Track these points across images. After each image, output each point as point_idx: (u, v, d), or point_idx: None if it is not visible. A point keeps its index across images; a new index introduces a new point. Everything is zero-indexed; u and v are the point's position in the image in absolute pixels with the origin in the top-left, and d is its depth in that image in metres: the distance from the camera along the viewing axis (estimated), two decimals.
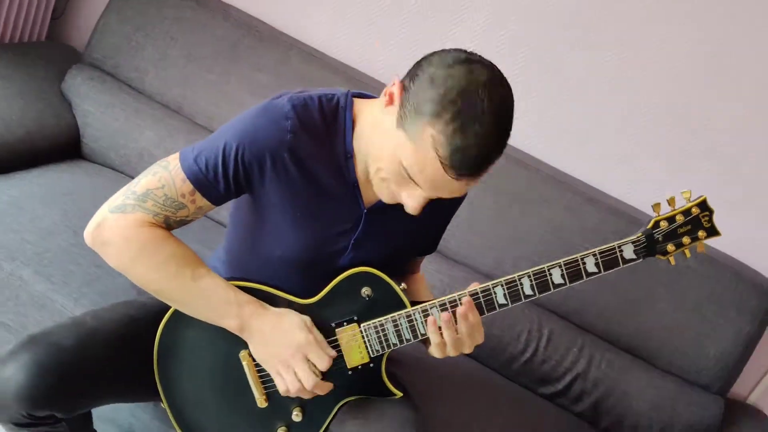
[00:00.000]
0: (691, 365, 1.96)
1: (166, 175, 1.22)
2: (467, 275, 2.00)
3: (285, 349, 1.25)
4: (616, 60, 2.03)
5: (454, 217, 1.98)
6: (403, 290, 1.32)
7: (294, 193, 1.25)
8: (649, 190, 2.09)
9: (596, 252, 1.30)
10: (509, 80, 1.12)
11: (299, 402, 1.36)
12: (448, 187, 1.12)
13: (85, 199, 1.90)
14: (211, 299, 1.25)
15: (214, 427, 1.38)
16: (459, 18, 2.12)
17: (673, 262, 1.35)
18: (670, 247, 1.33)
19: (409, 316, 1.30)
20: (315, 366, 1.27)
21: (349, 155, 1.26)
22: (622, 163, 2.10)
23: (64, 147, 2.14)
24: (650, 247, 1.32)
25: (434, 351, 1.29)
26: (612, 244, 1.30)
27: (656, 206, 1.32)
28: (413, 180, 1.13)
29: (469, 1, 2.10)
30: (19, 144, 2.01)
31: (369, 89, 2.07)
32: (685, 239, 1.33)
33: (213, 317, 1.27)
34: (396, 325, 1.30)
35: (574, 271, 1.30)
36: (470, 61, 1.08)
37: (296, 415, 1.34)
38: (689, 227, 1.33)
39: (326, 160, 1.26)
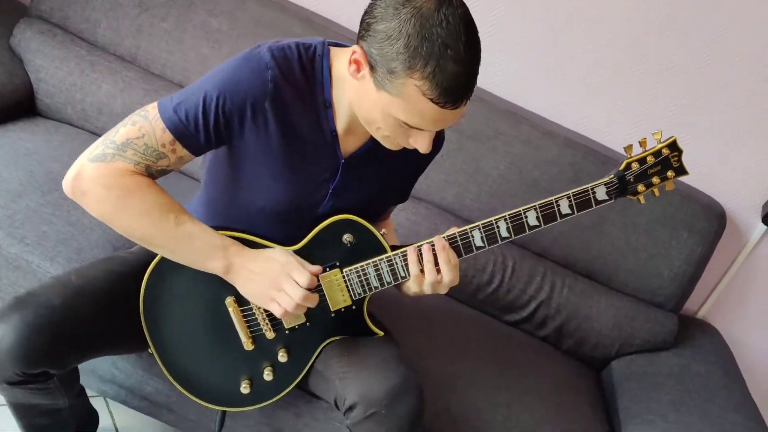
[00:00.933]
0: (646, 285, 2.07)
1: (146, 124, 1.22)
2: (430, 212, 2.05)
3: (270, 275, 1.28)
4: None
5: None
6: (384, 235, 1.35)
7: (274, 144, 1.27)
8: (621, 128, 2.13)
9: (570, 194, 1.35)
10: (479, 16, 1.14)
11: (284, 343, 1.41)
12: (451, 116, 1.15)
13: (47, 157, 1.86)
14: (196, 243, 1.27)
15: (202, 371, 1.42)
16: None
17: (643, 201, 1.41)
18: (641, 187, 1.39)
19: (390, 260, 1.35)
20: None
21: (328, 104, 1.28)
22: (593, 101, 2.12)
23: (19, 105, 2.06)
24: (622, 188, 1.37)
25: (412, 286, 1.34)
26: (585, 186, 1.36)
27: (628, 148, 1.37)
28: (416, 128, 1.17)
29: None
30: None
31: (326, 32, 2.04)
32: (655, 179, 1.39)
33: (198, 261, 1.29)
34: (377, 270, 1.35)
35: (548, 213, 1.35)
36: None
37: (282, 356, 1.39)
38: (659, 167, 1.39)
39: (306, 109, 1.27)
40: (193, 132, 1.22)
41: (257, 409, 1.46)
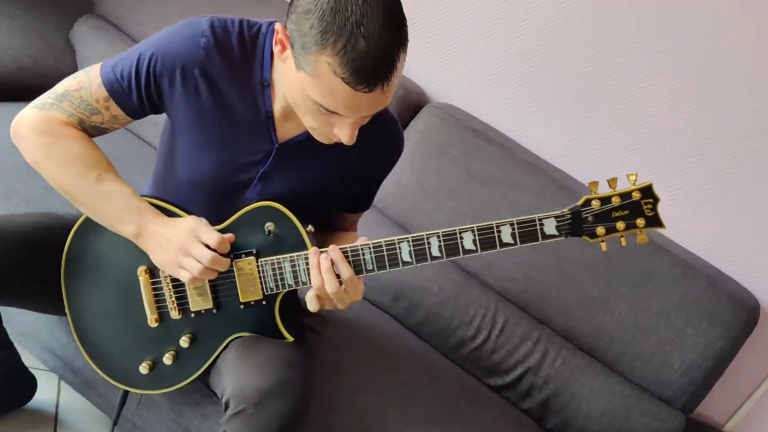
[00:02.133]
0: (653, 375, 1.83)
1: (85, 79, 1.25)
2: None
3: (178, 240, 1.23)
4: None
5: (421, 192, 1.93)
6: (309, 233, 1.28)
7: (203, 114, 1.25)
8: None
9: (514, 222, 1.23)
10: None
11: (189, 328, 1.34)
12: (367, 102, 1.09)
13: None
14: (112, 203, 1.25)
15: (108, 343, 1.38)
16: None
17: (604, 248, 1.26)
18: (600, 230, 1.24)
19: (308, 259, 1.24)
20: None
21: (266, 84, 1.25)
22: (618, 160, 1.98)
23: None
24: (576, 225, 1.23)
25: (309, 300, 1.25)
26: (532, 216, 1.23)
27: (593, 184, 1.24)
28: (333, 111, 1.11)
29: None
30: (9, 77, 2.07)
31: None
32: (620, 224, 1.24)
33: (112, 222, 1.27)
34: (294, 266, 1.27)
35: (487, 239, 1.23)
36: None
37: (184, 341, 1.32)
38: (626, 212, 1.24)
39: (240, 86, 1.25)
40: (127, 91, 1.23)
41: (163, 396, 1.39)
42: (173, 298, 1.31)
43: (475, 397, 1.80)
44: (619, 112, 1.94)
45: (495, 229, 1.22)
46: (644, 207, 1.24)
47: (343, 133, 1.15)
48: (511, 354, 1.86)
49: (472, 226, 1.23)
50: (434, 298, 1.88)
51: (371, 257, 1.25)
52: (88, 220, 1.33)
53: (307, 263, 1.25)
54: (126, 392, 1.42)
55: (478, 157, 1.93)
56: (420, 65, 2.15)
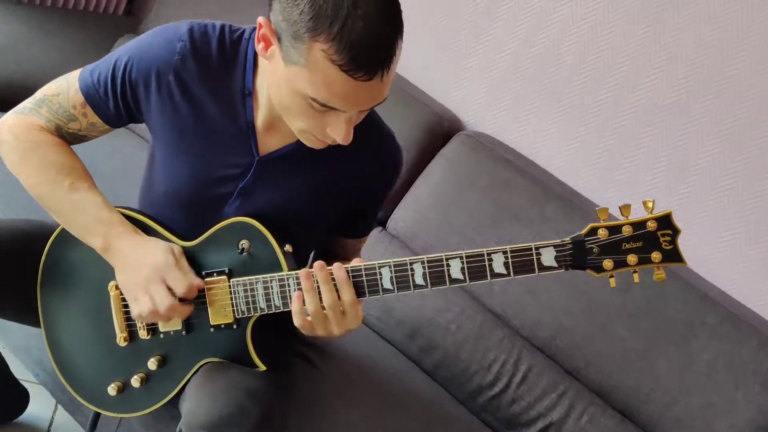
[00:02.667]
0: None
1: (64, 84, 1.21)
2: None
3: (143, 270, 1.15)
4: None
5: (447, 224, 1.80)
6: (287, 253, 1.17)
7: (178, 123, 1.18)
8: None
9: (508, 250, 1.09)
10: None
11: (159, 350, 1.25)
12: (366, 93, 0.99)
13: (95, 151, 1.89)
14: (82, 213, 1.19)
15: (79, 359, 1.30)
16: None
17: (613, 284, 1.11)
18: (608, 263, 1.08)
19: (283, 281, 1.15)
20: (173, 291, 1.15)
21: (248, 93, 1.17)
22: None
23: None
24: (579, 257, 1.09)
25: (295, 320, 1.13)
26: (529, 244, 1.09)
27: (602, 211, 1.09)
28: (327, 106, 1.00)
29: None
30: None
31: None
32: (631, 258, 1.08)
33: (81, 232, 1.21)
34: (266, 289, 1.16)
35: (476, 268, 1.09)
36: None
37: (153, 363, 1.23)
38: (639, 244, 1.08)
39: (217, 94, 1.17)
40: (103, 97, 1.18)
41: (139, 420, 1.31)
42: None
43: None
44: (669, 150, 1.77)
45: (486, 257, 1.09)
46: (661, 239, 1.08)
47: (338, 131, 1.04)
48: (533, 406, 1.68)
49: (460, 252, 1.10)
50: (453, 338, 1.74)
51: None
52: (65, 230, 1.27)
53: (281, 286, 1.15)
54: (97, 414, 1.35)
55: (510, 190, 1.80)
56: (456, 93, 2.05)
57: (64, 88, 1.20)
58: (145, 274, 1.14)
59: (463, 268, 1.10)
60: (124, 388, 1.26)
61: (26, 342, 1.56)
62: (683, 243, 1.07)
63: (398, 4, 0.98)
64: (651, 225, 1.07)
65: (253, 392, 1.15)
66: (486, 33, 1.98)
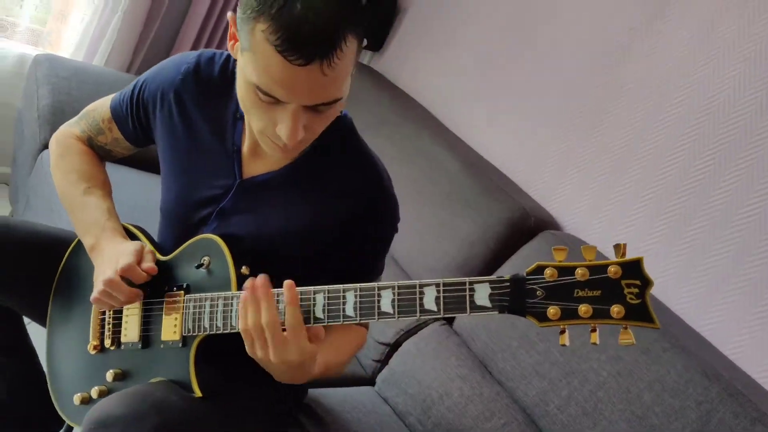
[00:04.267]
0: None
1: (102, 102, 1.34)
2: (499, 397, 1.57)
3: (107, 259, 1.17)
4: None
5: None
6: (242, 274, 1.12)
7: (174, 141, 1.23)
8: None
9: (441, 282, 0.95)
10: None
11: (119, 363, 1.22)
12: (305, 82, 0.94)
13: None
14: (86, 214, 1.27)
15: (62, 364, 1.32)
16: None
17: (563, 341, 0.91)
18: (553, 311, 0.90)
19: (227, 300, 1.10)
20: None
21: (239, 117, 1.19)
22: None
23: None
24: (517, 299, 0.91)
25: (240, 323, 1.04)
26: (463, 278, 0.94)
27: (558, 251, 0.92)
28: (269, 95, 0.97)
29: None
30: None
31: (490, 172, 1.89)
32: (583, 308, 0.88)
33: (80, 231, 1.28)
34: (212, 307, 1.11)
35: (407, 301, 0.96)
36: None
37: (110, 375, 1.20)
38: (596, 293, 0.89)
39: (211, 116, 1.21)
40: (125, 114, 1.28)
41: None
42: (110, 324, 1.24)
43: None
44: None
45: (417, 290, 0.95)
46: (626, 290, 0.87)
47: (284, 127, 0.99)
48: None
49: (393, 283, 0.98)
50: None
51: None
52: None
53: (224, 305, 1.09)
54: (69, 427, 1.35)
55: None
56: (560, 195, 1.91)
57: (100, 105, 1.32)
58: (109, 259, 1.16)
59: (393, 300, 0.96)
60: (89, 399, 1.25)
61: None
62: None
63: None
64: (613, 270, 0.87)
65: (157, 402, 1.07)
66: (594, 136, 1.85)
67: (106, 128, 1.31)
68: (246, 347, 1.05)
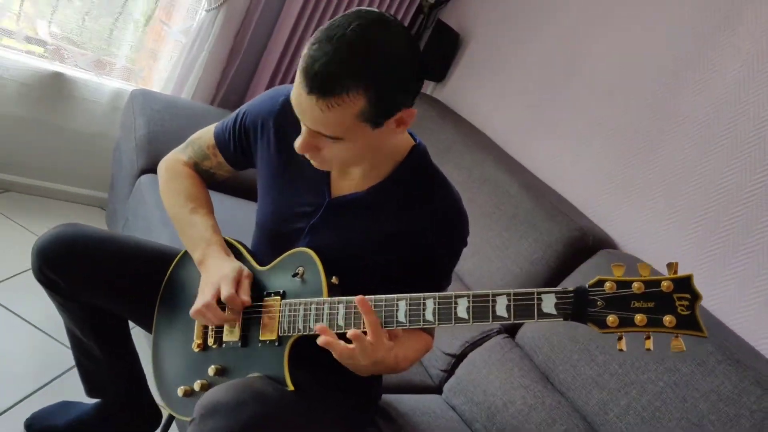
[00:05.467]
0: None
1: (206, 131, 1.52)
2: (562, 407, 1.68)
3: (210, 278, 1.34)
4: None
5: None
6: (332, 284, 1.29)
7: (272, 164, 1.39)
8: None
9: (511, 293, 1.09)
10: None
11: (220, 360, 1.38)
12: (305, 105, 1.14)
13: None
14: (194, 231, 1.44)
15: (167, 360, 1.48)
16: None
17: (621, 347, 1.03)
18: (612, 318, 1.02)
19: (319, 306, 1.25)
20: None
21: None
22: None
23: None
24: (579, 307, 1.05)
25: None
26: (531, 290, 1.07)
27: (617, 267, 1.05)
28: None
29: None
30: None
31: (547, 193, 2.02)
32: (639, 317, 1.01)
33: (189, 245, 1.45)
34: (306, 311, 1.27)
35: (480, 308, 1.10)
36: (371, 10, 1.15)
37: (212, 370, 1.37)
38: (651, 304, 1.01)
39: None
40: (227, 140, 1.45)
41: None
42: (213, 327, 1.40)
43: None
44: None
45: (490, 298, 1.09)
46: (677, 303, 0.99)
47: (299, 138, 1.20)
48: None
49: (468, 292, 1.12)
50: None
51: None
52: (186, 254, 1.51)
53: (316, 310, 1.25)
54: (171, 417, 1.51)
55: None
56: (614, 215, 2.02)
57: (205, 134, 1.50)
58: (210, 280, 1.33)
59: (468, 308, 1.11)
60: (192, 391, 1.42)
61: None
62: None
63: (367, 56, 1.09)
64: (666, 285, 0.99)
65: (263, 396, 1.22)
66: (652, 161, 1.96)
67: (211, 154, 1.49)
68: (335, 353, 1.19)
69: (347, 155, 1.22)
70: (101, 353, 1.62)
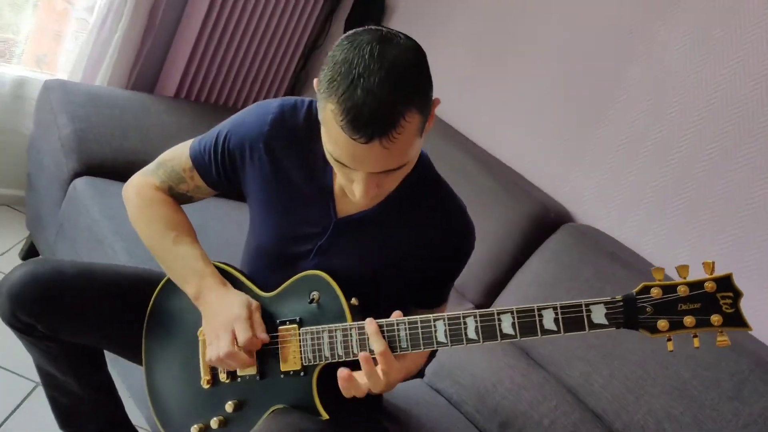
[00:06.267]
0: None
1: (178, 151, 1.39)
2: (546, 382, 1.75)
3: (219, 319, 1.27)
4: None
5: None
6: (353, 306, 1.24)
7: (267, 185, 1.31)
8: None
9: (558, 306, 1.09)
10: None
11: (236, 394, 1.32)
12: (369, 155, 1.07)
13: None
14: (182, 264, 1.34)
15: (170, 398, 1.41)
16: None
17: (670, 348, 1.07)
18: (663, 323, 1.06)
19: (346, 331, 1.21)
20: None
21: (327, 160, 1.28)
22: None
23: None
24: (630, 315, 1.07)
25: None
26: (579, 301, 1.08)
27: (657, 271, 1.08)
28: (341, 162, 1.11)
29: None
30: None
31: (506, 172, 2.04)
32: (688, 319, 1.05)
33: (179, 280, 1.35)
34: (331, 338, 1.23)
35: (527, 323, 1.11)
36: (357, 33, 1.08)
37: (229, 406, 1.31)
38: (697, 305, 1.05)
39: (302, 161, 1.29)
40: (208, 163, 1.34)
41: None
42: None
43: None
44: None
45: (536, 313, 1.09)
46: (721, 302, 1.04)
47: (356, 188, 1.12)
48: None
49: (512, 308, 1.12)
50: None
51: (406, 334, 1.17)
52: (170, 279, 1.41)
53: (343, 336, 1.21)
54: None
55: (614, 284, 1.76)
56: (567, 185, 2.08)
57: (178, 154, 1.37)
58: (220, 322, 1.26)
59: (514, 324, 1.11)
60: (206, 429, 1.35)
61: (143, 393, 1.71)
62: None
63: (411, 78, 1.06)
64: (709, 286, 1.04)
65: (302, 429, 1.19)
66: (603, 126, 2.03)
67: (188, 177, 1.37)
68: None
69: (403, 175, 1.17)
70: (80, 388, 1.52)
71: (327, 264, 1.30)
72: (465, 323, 1.13)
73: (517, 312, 1.11)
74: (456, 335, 1.14)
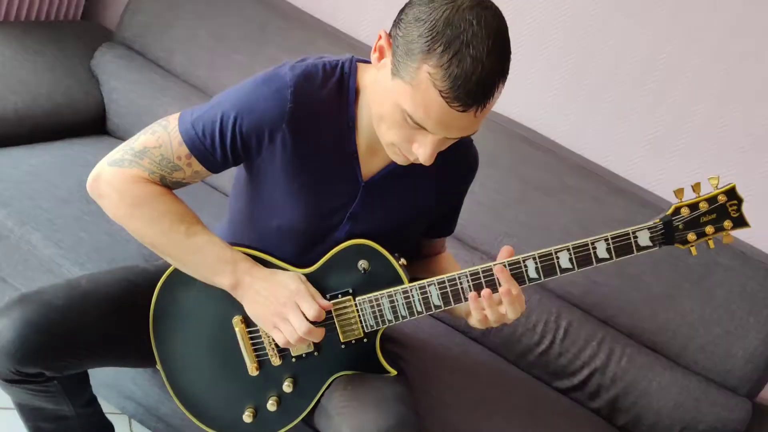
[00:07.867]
0: (717, 365, 1.87)
1: (164, 135, 1.21)
2: (485, 262, 1.93)
3: (277, 300, 1.22)
4: (648, 47, 1.94)
5: (476, 204, 1.91)
6: (403, 266, 1.28)
7: (290, 165, 1.23)
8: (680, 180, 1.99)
9: (608, 237, 1.24)
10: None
11: (291, 372, 1.33)
12: (458, 122, 1.06)
13: None
14: (206, 256, 1.24)
15: (205, 394, 1.37)
16: None
17: (694, 253, 1.28)
18: (691, 236, 1.25)
19: (406, 292, 1.26)
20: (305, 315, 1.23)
21: (351, 123, 1.22)
22: (653, 151, 2.01)
23: (91, 122, 2.18)
24: (668, 234, 1.25)
25: (476, 324, 1.25)
26: (626, 230, 1.24)
27: (679, 191, 1.25)
28: (420, 125, 1.08)
29: None
30: (47, 117, 2.05)
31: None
32: (708, 228, 1.25)
33: (207, 274, 1.25)
34: (392, 301, 1.27)
35: (583, 256, 1.24)
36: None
37: (287, 386, 1.32)
38: (714, 216, 1.26)
39: (326, 130, 1.23)
40: (210, 149, 1.20)
41: None
42: (273, 346, 1.31)
43: (546, 403, 1.82)
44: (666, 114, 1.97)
45: (590, 246, 1.23)
46: (730, 209, 1.26)
47: (423, 151, 1.11)
48: (577, 356, 1.88)
49: (567, 245, 1.24)
50: None
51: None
52: (172, 275, 1.31)
53: (405, 297, 1.25)
54: None
55: (531, 165, 1.94)
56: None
57: (166, 140, 1.20)
58: (282, 302, 1.22)
59: (571, 258, 1.24)
60: (258, 412, 1.33)
61: (114, 380, 1.62)
62: None
63: (509, 51, 1.06)
64: (721, 198, 1.25)
65: (404, 398, 1.26)
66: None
67: (184, 164, 1.22)
68: (480, 326, 1.25)
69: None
70: (73, 410, 1.42)
71: (359, 228, 1.30)
72: (525, 265, 1.24)
73: (573, 248, 1.23)
74: (519, 277, 1.24)
